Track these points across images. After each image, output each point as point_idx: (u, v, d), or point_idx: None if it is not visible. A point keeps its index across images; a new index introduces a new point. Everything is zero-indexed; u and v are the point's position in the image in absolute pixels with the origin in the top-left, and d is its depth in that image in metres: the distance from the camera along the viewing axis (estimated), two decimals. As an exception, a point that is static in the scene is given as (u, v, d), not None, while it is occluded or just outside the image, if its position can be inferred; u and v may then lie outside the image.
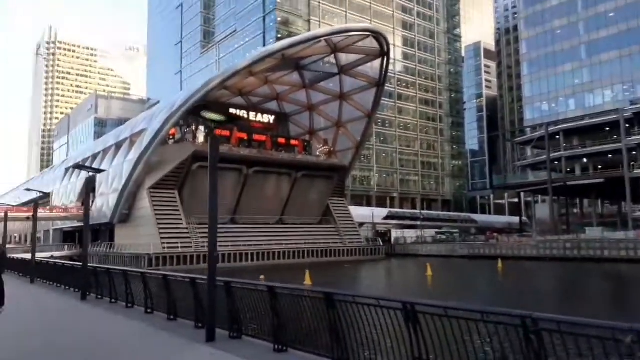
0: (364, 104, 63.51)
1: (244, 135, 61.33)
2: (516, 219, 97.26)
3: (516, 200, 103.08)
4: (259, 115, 66.86)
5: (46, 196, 78.37)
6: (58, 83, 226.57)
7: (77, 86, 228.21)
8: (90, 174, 65.92)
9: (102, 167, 62.98)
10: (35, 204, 21.23)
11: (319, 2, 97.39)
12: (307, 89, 64.33)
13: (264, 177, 59.75)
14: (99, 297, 14.36)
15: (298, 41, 55.24)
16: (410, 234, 78.49)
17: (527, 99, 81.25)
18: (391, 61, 62.37)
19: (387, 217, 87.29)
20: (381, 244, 68.64)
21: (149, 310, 11.24)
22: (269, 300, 7.69)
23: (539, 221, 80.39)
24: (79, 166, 13.21)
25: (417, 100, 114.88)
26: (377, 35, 57.29)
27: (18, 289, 18.95)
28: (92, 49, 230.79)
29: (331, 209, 66.49)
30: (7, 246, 78.98)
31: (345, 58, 60.95)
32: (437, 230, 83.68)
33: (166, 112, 53.43)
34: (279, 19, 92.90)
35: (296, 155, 63.34)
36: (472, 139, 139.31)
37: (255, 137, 62.55)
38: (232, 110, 64.40)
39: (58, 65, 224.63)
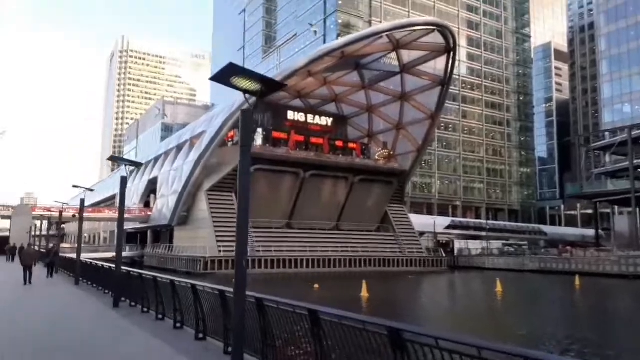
0: (426, 105, 60.47)
1: (301, 138, 60.15)
2: (590, 232, 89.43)
3: (590, 211, 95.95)
4: (317, 117, 65.53)
5: (111, 198, 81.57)
6: (129, 90, 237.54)
7: (147, 92, 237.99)
8: (152, 176, 67.88)
9: (163, 169, 64.16)
10: (81, 202, 20.56)
11: (381, 3, 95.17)
12: (367, 89, 62.09)
13: (321, 181, 58.22)
14: (132, 304, 13.08)
15: (359, 37, 53.12)
16: (475, 245, 74.13)
17: (606, 101, 74.89)
18: (456, 62, 58.87)
19: (449, 227, 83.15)
20: (443, 255, 64.98)
21: (178, 325, 9.72)
22: (310, 327, 5.92)
23: (617, 234, 73.91)
24: (115, 158, 11.90)
25: (482, 103, 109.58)
26: (443, 29, 54.10)
27: (58, 290, 18.26)
28: (160, 57, 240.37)
29: (390, 216, 63.85)
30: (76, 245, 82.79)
31: (407, 55, 58.20)
32: (504, 242, 78.73)
33: (224, 114, 53.24)
34: (339, 20, 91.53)
35: (354, 159, 61.27)
36: (541, 145, 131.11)
37: (313, 140, 61.22)
38: (289, 113, 63.47)
39: (129, 73, 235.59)
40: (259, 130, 58.39)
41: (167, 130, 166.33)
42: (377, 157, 64.74)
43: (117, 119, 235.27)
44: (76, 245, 68.73)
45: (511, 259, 64.06)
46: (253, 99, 6.69)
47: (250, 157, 6.59)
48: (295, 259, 51.42)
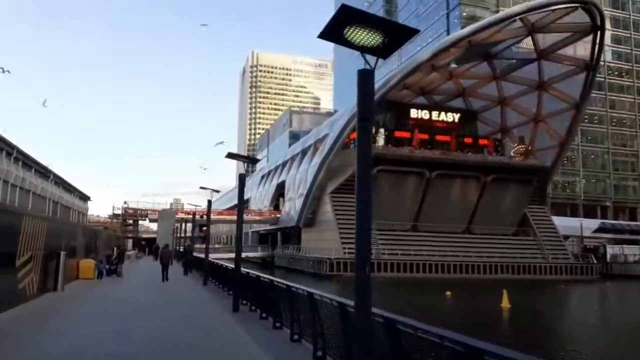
0: (569, 93, 53.83)
1: (426, 137, 57.42)
2: None
3: None
4: (442, 114, 62.06)
5: (245, 201, 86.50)
6: (259, 102, 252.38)
7: (275, 103, 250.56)
8: (280, 180, 70.27)
9: (290, 173, 66.06)
10: (208, 204, 20.98)
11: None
12: (498, 80, 57.05)
13: (448, 182, 54.89)
14: (252, 308, 12.46)
15: (488, 23, 48.66)
16: (633, 251, 64.48)
17: None
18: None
19: (598, 230, 73.49)
20: (594, 261, 57.31)
21: (295, 337, 8.53)
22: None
23: None
24: (232, 154, 11.39)
25: (634, 90, 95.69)
26: (589, 6, 47.32)
27: (186, 290, 18.66)
28: (287, 69, 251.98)
29: (529, 219, 58.09)
30: (216, 246, 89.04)
31: (544, 39, 52.17)
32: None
33: (346, 116, 52.84)
34: (464, 13, 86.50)
35: (486, 156, 56.80)
36: None
37: (438, 137, 58.10)
38: (413, 111, 61.06)
39: (259, 86, 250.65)
40: (381, 130, 57.03)
41: (294, 137, 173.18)
42: (512, 154, 59.38)
43: (249, 129, 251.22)
44: (217, 246, 73.59)
45: (683, 269, 54.50)
46: (373, 60, 4.99)
47: (371, 132, 5.08)
48: (423, 264, 48.93)
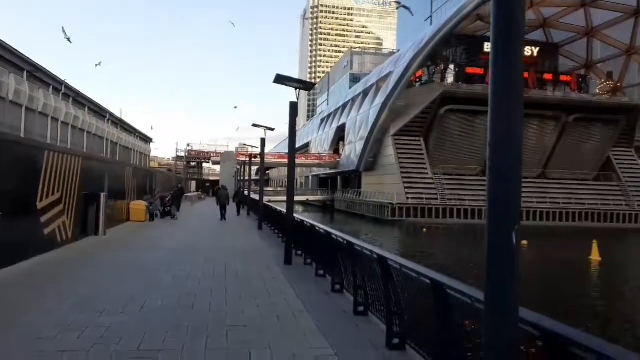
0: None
1: (501, 73, 52.29)
2: None
3: None
4: (520, 48, 56.18)
5: (306, 146, 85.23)
6: (320, 44, 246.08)
7: (336, 45, 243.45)
8: (341, 123, 67.90)
9: (351, 116, 63.39)
10: (262, 142, 19.21)
11: None
12: (587, 7, 50.15)
13: (525, 122, 49.80)
14: (308, 262, 10.82)
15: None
16: None
17: None
18: None
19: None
20: (688, 209, 51.44)
21: (359, 309, 6.67)
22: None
23: None
24: (281, 78, 9.36)
25: None
26: None
27: (235, 235, 17.34)
28: (348, 9, 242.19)
29: (613, 162, 52.69)
30: (278, 189, 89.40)
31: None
32: None
33: (413, 51, 48.87)
34: None
35: (568, 94, 51.23)
36: None
37: (515, 74, 52.82)
38: (486, 45, 55.63)
39: (320, 27, 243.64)
40: (451, 66, 52.62)
41: (355, 80, 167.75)
42: (598, 91, 53.25)
43: (310, 72, 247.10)
44: (279, 189, 73.54)
45: None
46: None
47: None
48: (491, 210, 45.69)
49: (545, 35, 57.52)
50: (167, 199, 23.03)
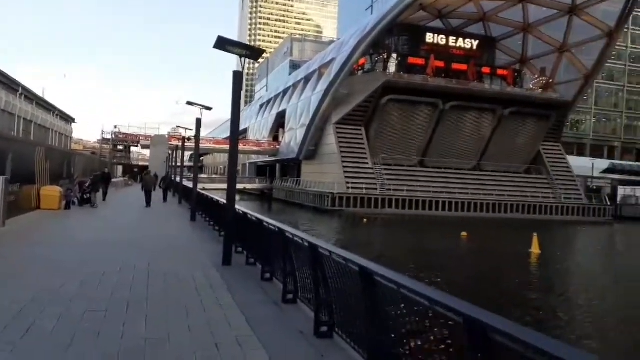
0: (604, 19, 48.53)
1: (441, 64, 52.62)
2: None
3: None
4: (460, 40, 56.76)
5: (243, 132, 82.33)
6: (260, 29, 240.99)
7: (276, 31, 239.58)
8: (281, 109, 65.84)
9: (291, 102, 61.60)
10: (197, 122, 17.20)
11: None
12: (525, 2, 51.14)
13: (462, 114, 50.92)
14: (251, 261, 9.19)
15: None
16: (644, 193, 61.90)
17: None
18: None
19: (606, 171, 70.65)
20: (608, 202, 54.62)
21: (289, 297, 6.33)
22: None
23: None
24: (222, 42, 7.57)
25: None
26: None
27: (163, 225, 15.34)
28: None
29: (543, 156, 54.76)
30: (213, 176, 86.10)
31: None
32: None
33: (356, 38, 47.81)
34: None
35: (505, 88, 52.37)
36: None
37: (454, 66, 53.33)
38: (428, 36, 55.77)
39: (260, 12, 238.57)
40: (393, 55, 52.17)
41: (295, 67, 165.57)
42: (531, 86, 54.91)
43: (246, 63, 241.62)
44: (214, 176, 70.57)
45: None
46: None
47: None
48: (429, 201, 46.08)
49: (485, 29, 58.52)
50: (87, 185, 20.41)
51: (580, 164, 63.97)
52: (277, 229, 7.18)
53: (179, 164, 36.62)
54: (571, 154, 75.77)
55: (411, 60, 52.66)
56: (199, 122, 17.31)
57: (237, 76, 8.80)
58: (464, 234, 28.83)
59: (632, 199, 60.34)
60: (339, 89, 48.43)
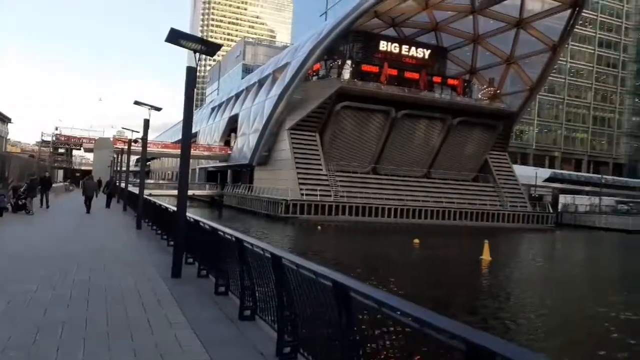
0: (548, 33, 50.69)
1: (394, 72, 53.25)
2: None
3: None
4: (413, 49, 57.75)
5: (193, 136, 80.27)
6: (212, 31, 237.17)
7: (229, 34, 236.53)
8: (233, 113, 64.60)
9: (244, 106, 60.54)
10: (145, 123, 16.26)
11: None
12: (476, 14, 52.68)
13: (414, 122, 51.75)
14: (203, 273, 8.52)
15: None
16: (583, 201, 65.25)
17: None
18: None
19: (548, 180, 74.07)
20: (550, 210, 57.01)
21: (246, 313, 5.84)
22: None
23: None
24: (175, 35, 6.88)
25: (595, 41, 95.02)
26: None
27: (105, 235, 14.32)
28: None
29: (490, 165, 56.45)
30: (160, 182, 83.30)
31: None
32: (617, 199, 69.05)
33: (311, 43, 47.61)
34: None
35: (454, 97, 53.66)
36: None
37: (407, 74, 54.16)
38: (382, 44, 56.37)
39: (212, 14, 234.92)
40: (347, 62, 52.37)
41: (248, 71, 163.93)
42: (480, 96, 56.58)
43: (200, 59, 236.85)
44: (161, 182, 68.03)
45: (629, 219, 55.41)
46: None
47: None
48: (382, 208, 46.37)
49: (437, 39, 59.86)
50: (22, 190, 18.89)
51: (524, 172, 66.61)
52: (233, 238, 6.60)
53: (124, 168, 34.87)
54: (515, 163, 79.04)
55: (365, 67, 53.02)
56: (146, 123, 16.35)
57: (191, 72, 8.18)
58: (416, 241, 29.00)
59: (571, 207, 63.47)
60: (294, 94, 48.03)
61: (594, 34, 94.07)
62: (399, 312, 2.82)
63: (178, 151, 56.31)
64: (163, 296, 7.01)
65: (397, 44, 57.28)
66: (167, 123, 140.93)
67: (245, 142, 56.58)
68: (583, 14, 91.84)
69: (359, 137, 50.34)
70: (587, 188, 70.81)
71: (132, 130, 25.12)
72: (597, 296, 17.51)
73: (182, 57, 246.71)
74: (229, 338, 5.32)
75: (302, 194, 44.31)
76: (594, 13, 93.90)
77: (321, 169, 47.31)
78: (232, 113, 64.82)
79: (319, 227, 37.45)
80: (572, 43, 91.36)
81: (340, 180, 47.67)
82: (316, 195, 44.63)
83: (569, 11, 48.83)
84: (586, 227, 54.76)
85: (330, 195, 45.44)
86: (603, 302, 16.07)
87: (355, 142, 50.37)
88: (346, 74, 51.89)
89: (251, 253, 5.86)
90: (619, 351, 11.11)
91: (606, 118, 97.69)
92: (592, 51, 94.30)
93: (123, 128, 42.29)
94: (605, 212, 61.35)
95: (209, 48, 7.86)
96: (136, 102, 15.21)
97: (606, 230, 51.98)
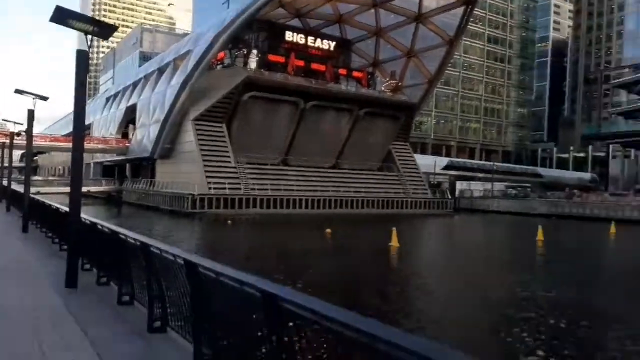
0: (445, 28, 53.44)
1: (301, 64, 53.13)
2: (587, 175, 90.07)
3: (582, 154, 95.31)
4: (318, 40, 57.98)
5: (86, 128, 74.16)
6: (104, 16, 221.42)
7: (123, 20, 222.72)
8: (130, 103, 60.63)
9: (143, 96, 57.03)
10: (29, 114, 14.38)
11: None
12: (378, 7, 54.05)
13: (322, 113, 52.08)
14: (103, 280, 7.56)
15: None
16: (477, 187, 70.18)
17: (630, 34, 68.64)
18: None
19: (446, 167, 78.86)
20: (449, 196, 60.58)
21: (156, 324, 5.20)
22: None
23: (612, 178, 73.17)
24: (62, 14, 5.80)
25: (485, 37, 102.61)
26: None
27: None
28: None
29: (393, 155, 58.59)
30: (49, 178, 76.13)
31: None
32: (507, 184, 75.18)
33: (214, 31, 45.84)
34: None
35: (359, 89, 54.81)
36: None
37: (314, 66, 54.30)
38: (288, 34, 55.93)
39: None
40: (253, 51, 51.26)
41: (145, 59, 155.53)
42: (383, 88, 58.36)
43: (92, 46, 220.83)
44: (51, 178, 62.10)
45: (517, 202, 60.60)
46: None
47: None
48: (293, 199, 46.25)
49: (341, 31, 60.68)
50: None
51: (424, 161, 70.04)
52: (138, 243, 5.81)
53: (6, 164, 31.19)
54: (416, 153, 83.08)
55: (272, 57, 52.30)
56: (31, 113, 14.43)
57: (82, 56, 7.15)
58: (328, 231, 29.14)
59: (467, 193, 67.94)
60: (197, 83, 46.01)
61: (483, 31, 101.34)
62: (335, 322, 2.40)
63: (69, 145, 51.91)
64: (57, 310, 6.04)
65: (302, 35, 57.20)
66: (56, 116, 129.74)
67: (145, 134, 53.32)
68: (474, 11, 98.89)
69: (268, 127, 49.59)
70: (480, 174, 76.15)
71: (15, 122, 22.34)
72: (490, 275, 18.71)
73: (81, 46, 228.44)
74: (139, 356, 4.62)
75: (210, 188, 42.78)
76: (483, 11, 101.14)
77: (229, 161, 45.97)
78: (130, 103, 60.73)
79: (229, 222, 36.33)
80: (465, 38, 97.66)
81: (250, 172, 46.71)
82: (225, 188, 43.31)
83: (462, 8, 51.85)
84: (480, 211, 58.88)
85: (239, 188, 44.35)
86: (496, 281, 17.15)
87: (264, 133, 49.54)
88: (252, 64, 50.78)
89: (160, 259, 5.15)
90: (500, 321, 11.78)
91: (495, 109, 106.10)
92: (483, 46, 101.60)
93: (4, 120, 37.58)
94: (496, 197, 66.32)
95: (102, 30, 6.88)
96: (17, 91, 13.35)
97: (497, 213, 56.24)
